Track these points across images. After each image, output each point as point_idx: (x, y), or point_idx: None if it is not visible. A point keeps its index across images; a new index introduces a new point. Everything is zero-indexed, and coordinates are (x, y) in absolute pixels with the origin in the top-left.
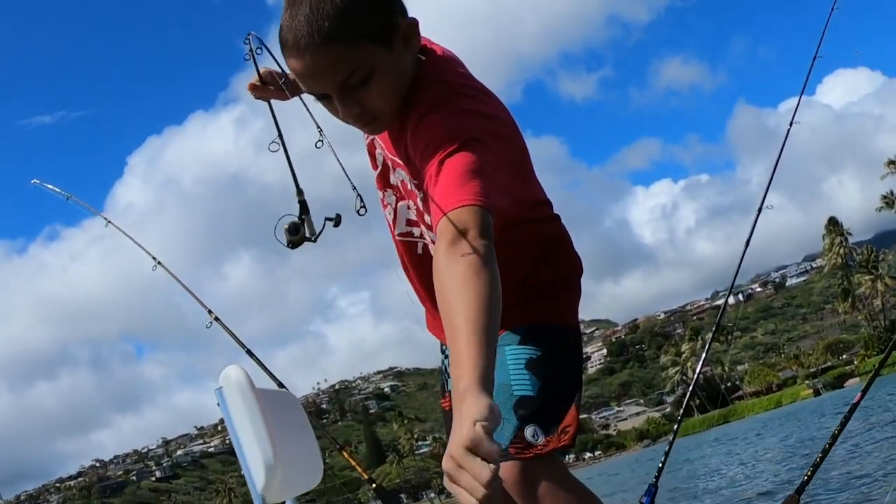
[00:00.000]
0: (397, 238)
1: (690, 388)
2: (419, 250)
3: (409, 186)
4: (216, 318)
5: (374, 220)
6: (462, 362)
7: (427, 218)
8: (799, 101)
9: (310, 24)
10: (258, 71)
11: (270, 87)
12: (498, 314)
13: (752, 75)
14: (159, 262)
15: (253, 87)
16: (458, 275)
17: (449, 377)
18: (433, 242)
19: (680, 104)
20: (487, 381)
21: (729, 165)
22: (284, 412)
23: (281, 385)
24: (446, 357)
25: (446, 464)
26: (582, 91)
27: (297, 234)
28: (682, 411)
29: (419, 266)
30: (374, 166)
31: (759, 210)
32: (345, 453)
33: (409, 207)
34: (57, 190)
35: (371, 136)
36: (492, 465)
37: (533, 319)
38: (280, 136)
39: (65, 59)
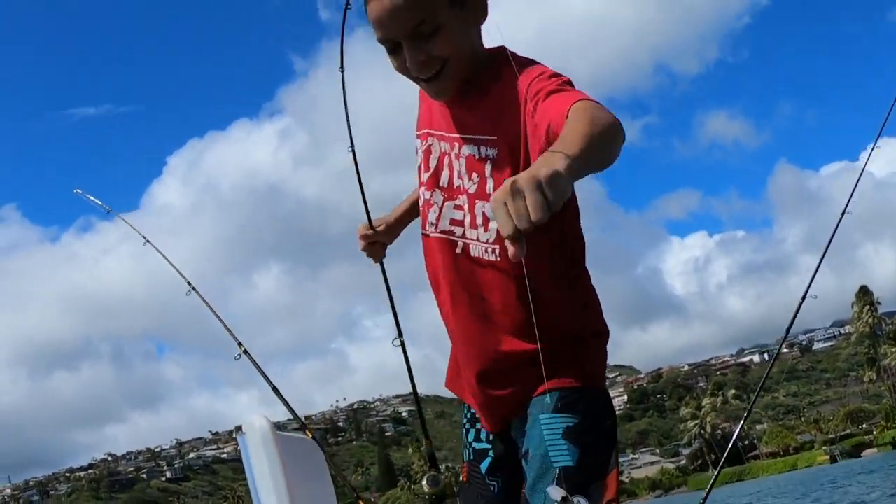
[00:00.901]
0: (437, 235)
1: (733, 438)
2: (458, 249)
3: (476, 157)
4: (245, 351)
5: (410, 244)
6: (570, 144)
7: (489, 186)
8: (853, 191)
9: None
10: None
11: (380, 230)
12: (602, 162)
13: (797, 137)
14: (194, 288)
15: (364, 236)
16: (606, 116)
17: (468, 446)
18: (479, 239)
19: (722, 158)
20: (573, 165)
21: (766, 223)
22: (304, 461)
23: (304, 425)
24: (469, 421)
25: (507, 185)
26: (626, 136)
27: (439, 486)
28: (721, 460)
29: (454, 266)
30: (426, 167)
31: (803, 298)
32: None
33: (455, 207)
34: (98, 202)
35: (427, 140)
36: (547, 211)
37: (565, 383)
38: (399, 331)
39: (115, 54)
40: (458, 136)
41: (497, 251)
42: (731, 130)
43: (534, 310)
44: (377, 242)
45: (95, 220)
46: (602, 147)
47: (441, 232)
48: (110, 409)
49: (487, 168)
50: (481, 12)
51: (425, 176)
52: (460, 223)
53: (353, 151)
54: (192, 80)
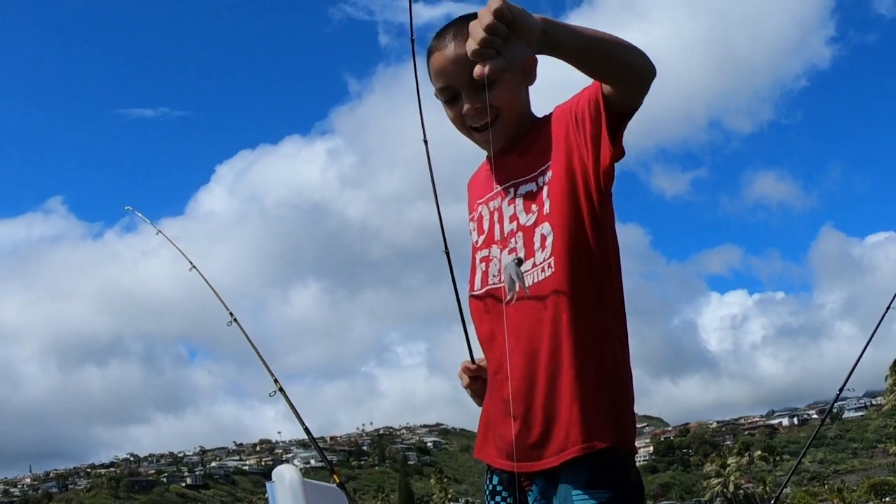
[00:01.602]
0: (498, 286)
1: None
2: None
3: (534, 190)
4: (280, 389)
5: (446, 273)
6: None
7: (546, 207)
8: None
9: (458, 28)
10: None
11: (483, 365)
12: (601, 56)
13: (844, 202)
14: (235, 319)
15: (467, 369)
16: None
17: None
18: (536, 262)
19: (767, 218)
20: (549, 26)
21: (805, 287)
22: None
23: (332, 469)
24: (490, 493)
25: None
26: (674, 188)
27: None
28: None
29: (511, 309)
30: (481, 231)
31: (841, 390)
32: None
33: (510, 251)
34: (147, 221)
35: (478, 210)
36: (492, 20)
37: (601, 444)
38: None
39: (175, 59)
40: (511, 182)
41: (552, 263)
42: (778, 191)
43: (580, 330)
44: (480, 378)
45: (139, 221)
46: (599, 41)
47: (503, 281)
48: (136, 410)
49: (545, 192)
50: (532, 74)
51: (481, 240)
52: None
53: (447, 252)
54: (249, 91)
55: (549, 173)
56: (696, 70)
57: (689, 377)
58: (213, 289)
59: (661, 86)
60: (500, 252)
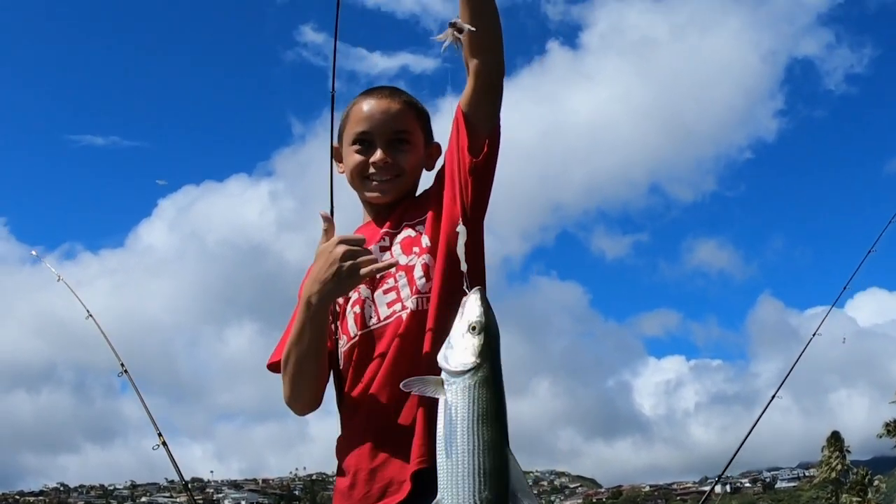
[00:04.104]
0: (379, 326)
1: None
2: (404, 317)
3: (412, 236)
4: (164, 443)
5: None
6: None
7: (423, 241)
8: (785, 379)
9: (391, 89)
10: None
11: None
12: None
13: (786, 274)
14: (126, 371)
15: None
16: None
17: None
18: (421, 290)
19: (706, 285)
20: None
21: (742, 355)
22: None
23: None
24: None
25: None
26: (613, 250)
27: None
28: None
29: (394, 344)
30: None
31: (726, 468)
32: None
33: (385, 292)
34: (53, 270)
35: None
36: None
37: None
38: None
39: (131, 89)
40: (387, 231)
41: (429, 298)
42: (718, 259)
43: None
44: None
45: (80, 249)
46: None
47: (385, 318)
48: (66, 438)
49: (423, 233)
50: (433, 161)
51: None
52: (398, 300)
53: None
54: (200, 126)
55: (427, 217)
56: (640, 135)
57: (622, 439)
58: (107, 339)
59: (604, 149)
60: (373, 293)
